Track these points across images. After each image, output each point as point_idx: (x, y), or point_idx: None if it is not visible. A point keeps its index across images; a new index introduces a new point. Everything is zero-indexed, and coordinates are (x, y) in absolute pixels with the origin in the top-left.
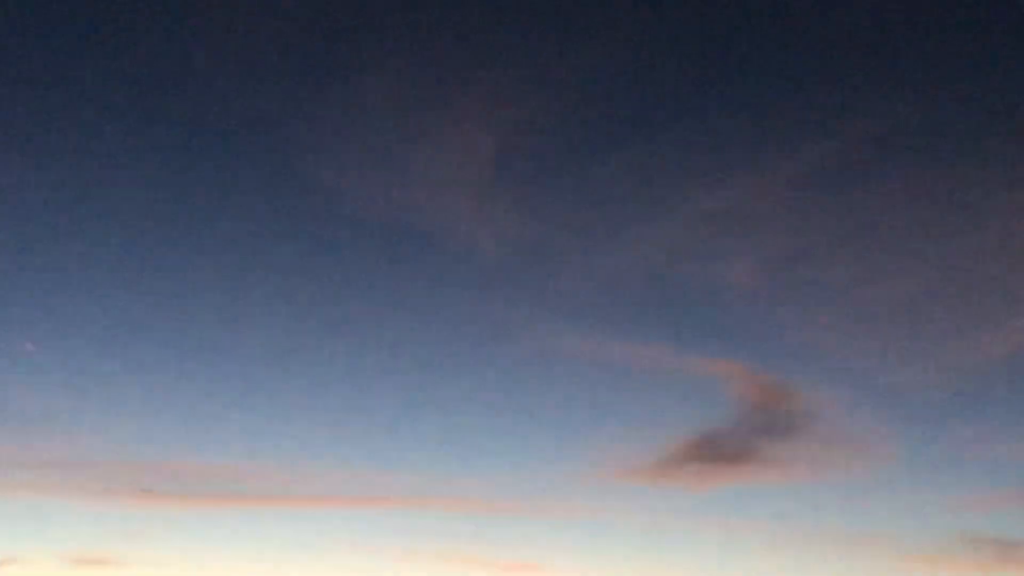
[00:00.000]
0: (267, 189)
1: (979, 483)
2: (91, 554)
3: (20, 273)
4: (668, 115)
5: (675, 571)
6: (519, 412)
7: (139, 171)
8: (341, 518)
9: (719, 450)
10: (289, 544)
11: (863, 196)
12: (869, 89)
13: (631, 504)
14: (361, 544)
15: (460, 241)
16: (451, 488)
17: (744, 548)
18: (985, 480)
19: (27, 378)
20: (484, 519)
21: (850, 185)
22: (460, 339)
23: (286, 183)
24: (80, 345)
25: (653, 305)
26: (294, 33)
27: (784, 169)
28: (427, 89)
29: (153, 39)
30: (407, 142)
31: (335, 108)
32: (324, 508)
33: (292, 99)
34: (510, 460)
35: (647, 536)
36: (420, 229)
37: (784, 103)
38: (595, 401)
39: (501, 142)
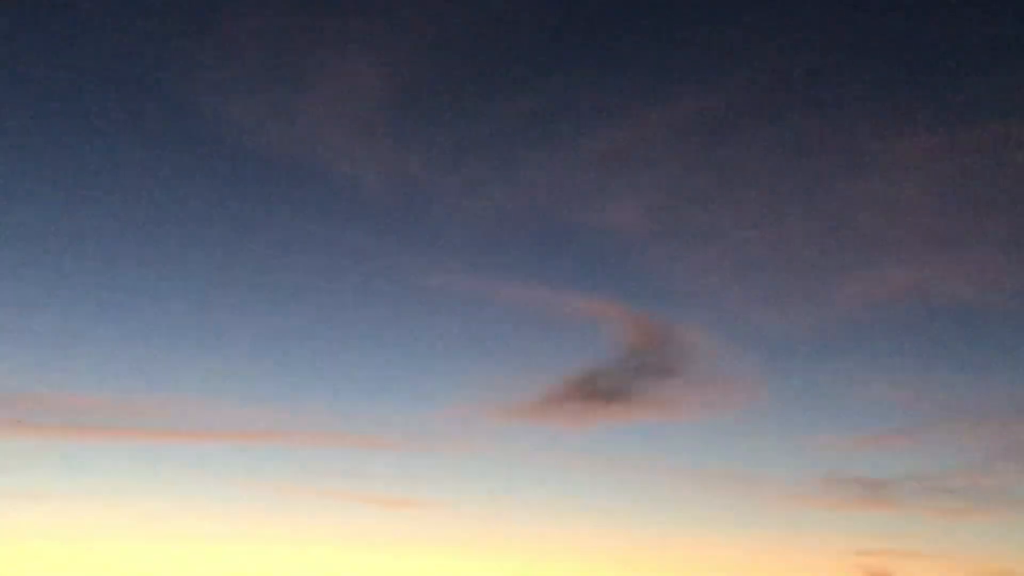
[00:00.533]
0: (150, 121)
1: (847, 425)
2: None
3: None
4: (555, 61)
5: (555, 507)
6: (402, 349)
7: (18, 107)
8: (221, 453)
9: (599, 389)
10: (168, 477)
11: (745, 143)
12: (752, 40)
13: (512, 442)
14: (242, 479)
15: (345, 176)
16: (332, 424)
17: (622, 485)
18: (853, 422)
19: None
20: (365, 455)
21: (733, 132)
22: (343, 275)
23: (170, 115)
24: None
25: (537, 245)
26: None
27: (668, 116)
28: (313, 24)
29: None
30: (293, 76)
31: (218, 41)
32: (203, 443)
33: (176, 34)
34: (392, 397)
35: (527, 473)
36: (305, 163)
37: (669, 52)
38: (478, 340)
39: (389, 79)
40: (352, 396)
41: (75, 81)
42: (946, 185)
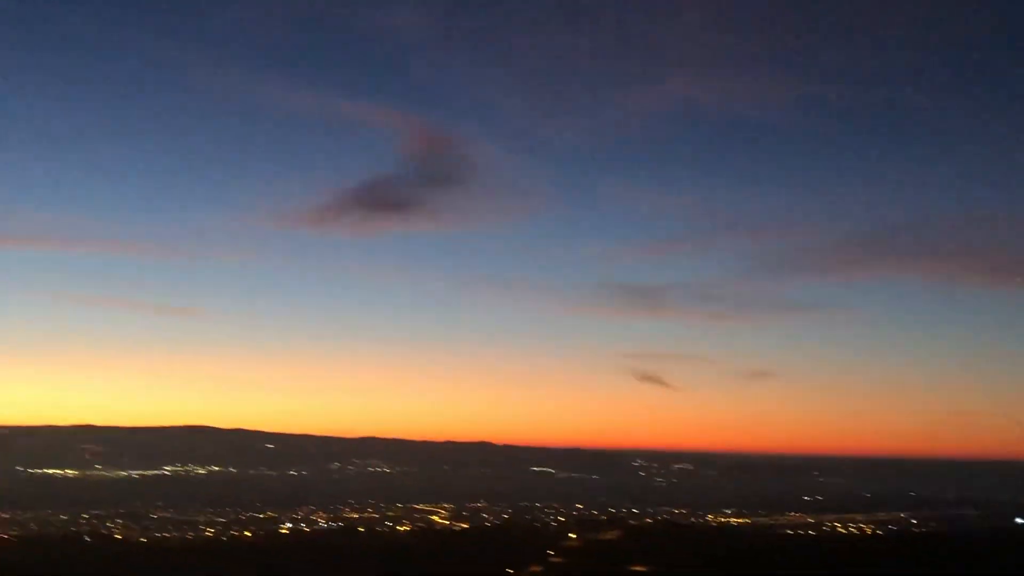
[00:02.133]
0: None
1: (622, 234)
2: None
3: None
4: None
5: (339, 315)
6: (183, 157)
7: None
8: None
9: (382, 198)
10: None
11: None
12: None
13: (295, 250)
14: (20, 288)
15: None
16: (111, 231)
17: (405, 293)
18: (627, 231)
19: None
20: (146, 263)
21: None
22: (114, 80)
23: None
24: None
25: (319, 50)
26: None
27: None
28: None
29: None
30: None
31: None
32: None
33: None
34: (172, 204)
35: (311, 280)
36: None
37: None
38: (259, 147)
39: None
40: (131, 203)
41: None
42: (724, 4)
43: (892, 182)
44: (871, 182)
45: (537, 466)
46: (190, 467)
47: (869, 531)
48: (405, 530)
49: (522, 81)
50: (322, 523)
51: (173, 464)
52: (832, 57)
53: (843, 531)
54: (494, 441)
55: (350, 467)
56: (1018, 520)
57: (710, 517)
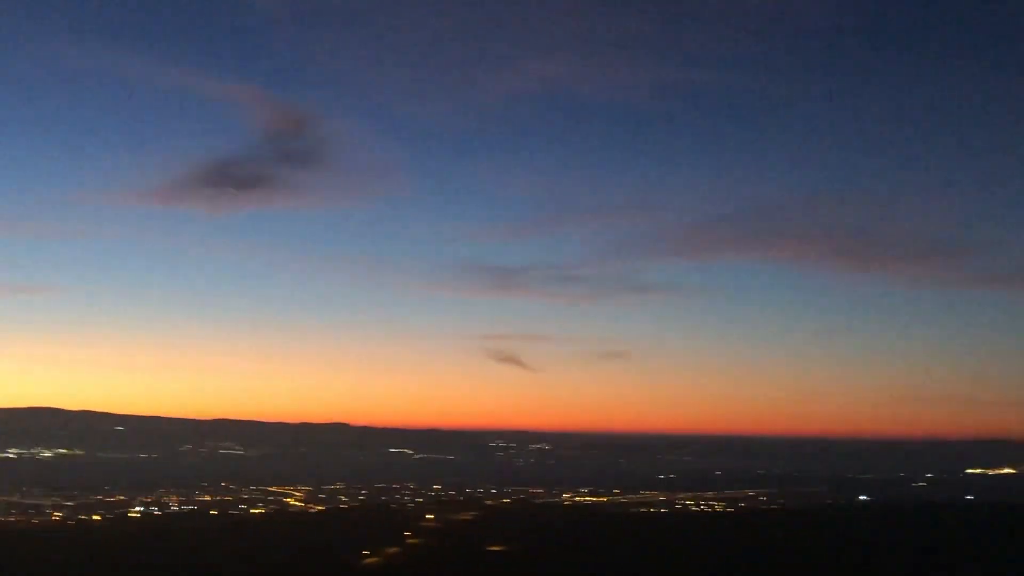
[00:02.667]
0: None
1: (483, 215)
2: None
3: None
4: None
5: (192, 292)
6: (35, 131)
7: None
8: None
9: (237, 175)
10: None
11: None
12: None
13: (145, 227)
14: None
15: None
16: None
17: (260, 271)
18: (488, 212)
19: None
20: None
21: None
22: None
23: None
24: None
25: (174, 22)
26: None
27: None
28: None
29: None
30: None
31: None
32: None
33: None
34: (14, 179)
35: (161, 259)
36: None
37: None
38: (109, 121)
39: None
40: None
41: None
42: None
43: (744, 167)
44: (724, 166)
45: (394, 447)
46: (36, 450)
47: (720, 508)
48: (259, 513)
49: (384, 60)
50: (174, 506)
51: (18, 447)
52: (689, 43)
53: (695, 508)
54: (351, 422)
55: (202, 449)
56: (862, 497)
57: (566, 496)
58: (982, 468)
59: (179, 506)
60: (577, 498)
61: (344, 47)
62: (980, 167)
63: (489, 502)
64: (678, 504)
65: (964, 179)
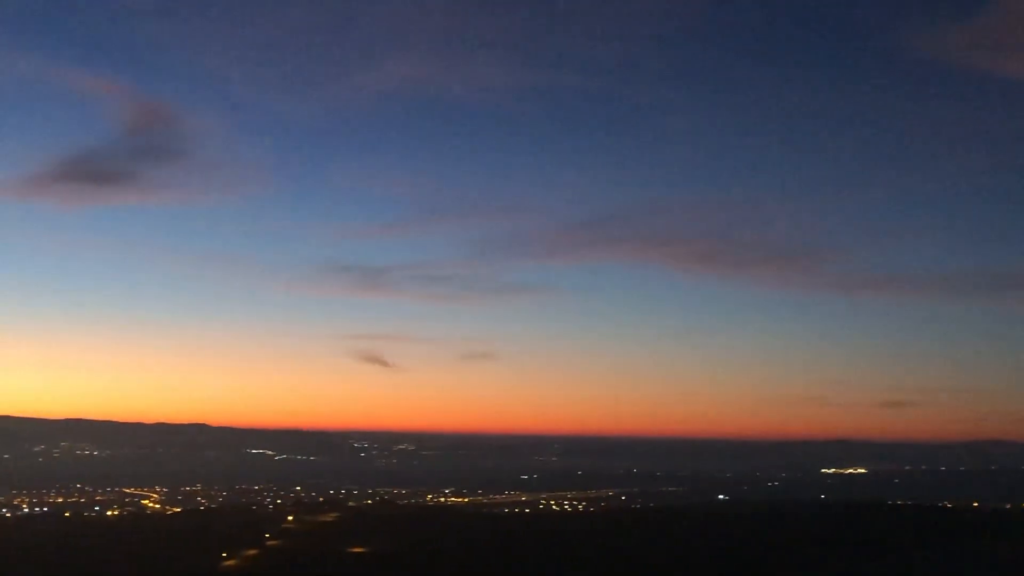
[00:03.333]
0: None
1: (348, 214)
2: None
3: None
4: None
5: (47, 288)
6: None
7: None
8: None
9: (95, 170)
10: None
11: None
12: None
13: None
14: None
15: None
16: None
17: (116, 268)
18: (353, 211)
19: None
20: None
21: None
22: None
23: None
24: None
25: (31, 12)
26: None
27: None
28: None
29: None
30: None
31: None
32: None
33: None
34: None
35: (15, 254)
36: None
37: None
38: None
39: None
40: None
41: None
42: None
43: (609, 170)
44: (589, 170)
45: (255, 448)
46: None
47: (581, 508)
48: (115, 515)
49: (249, 56)
50: (25, 508)
51: None
52: (555, 47)
53: (556, 508)
54: (210, 423)
55: (56, 450)
56: (720, 496)
57: (429, 497)
58: (836, 467)
59: (31, 508)
60: (441, 499)
61: (208, 42)
62: (835, 174)
63: (351, 503)
64: (541, 504)
65: (820, 186)
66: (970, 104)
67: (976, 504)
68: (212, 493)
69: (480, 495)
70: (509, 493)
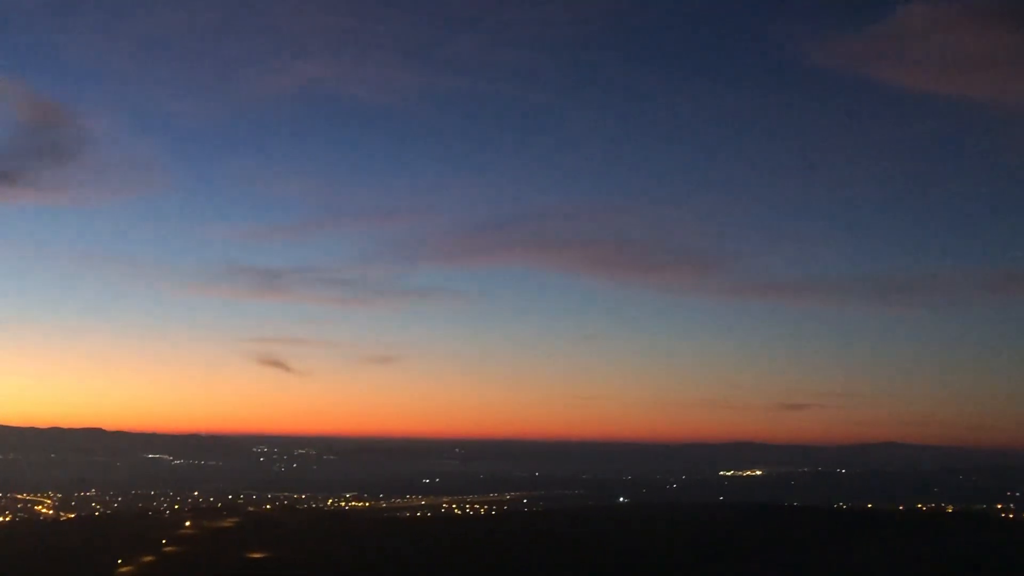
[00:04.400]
0: None
1: (246, 216)
2: None
3: None
4: None
5: None
6: None
7: None
8: None
9: None
10: None
11: None
12: None
13: None
14: None
15: None
16: None
17: (7, 269)
18: (252, 213)
19: None
20: None
21: None
22: None
23: None
24: None
25: None
26: None
27: None
28: None
29: None
30: None
31: None
32: None
33: None
34: None
35: None
36: None
37: None
38: None
39: None
40: None
41: None
42: None
43: (511, 174)
44: (492, 173)
45: (152, 453)
46: None
47: (483, 511)
48: (6, 521)
49: (145, 54)
50: None
51: None
52: (454, 49)
53: (458, 512)
54: (106, 427)
55: None
56: (621, 499)
57: (330, 502)
58: (734, 470)
59: None
60: (341, 503)
61: (103, 40)
62: (730, 180)
63: (251, 508)
64: (442, 507)
65: (716, 191)
66: (862, 113)
67: (870, 505)
68: (108, 499)
69: (381, 499)
70: (411, 497)
